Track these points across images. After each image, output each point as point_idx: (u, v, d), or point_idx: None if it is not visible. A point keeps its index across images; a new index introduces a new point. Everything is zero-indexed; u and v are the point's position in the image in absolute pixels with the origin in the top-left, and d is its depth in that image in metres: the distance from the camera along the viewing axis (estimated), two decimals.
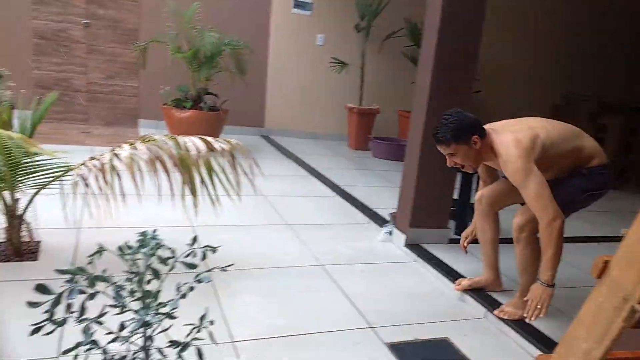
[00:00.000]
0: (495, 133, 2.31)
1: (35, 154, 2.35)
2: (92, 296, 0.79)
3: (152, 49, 5.53)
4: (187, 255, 0.89)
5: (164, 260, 0.86)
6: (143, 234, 0.87)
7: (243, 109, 6.49)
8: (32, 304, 0.76)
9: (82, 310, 0.79)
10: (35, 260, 2.47)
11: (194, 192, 2.42)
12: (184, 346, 0.84)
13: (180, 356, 0.87)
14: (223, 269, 0.97)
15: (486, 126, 2.37)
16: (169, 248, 0.90)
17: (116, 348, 0.90)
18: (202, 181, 2.42)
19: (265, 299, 2.39)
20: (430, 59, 3.10)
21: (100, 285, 0.82)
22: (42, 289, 0.75)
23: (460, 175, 3.52)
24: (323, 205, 4.04)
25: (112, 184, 2.18)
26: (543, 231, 2.13)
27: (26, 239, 2.55)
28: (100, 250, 0.86)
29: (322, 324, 2.24)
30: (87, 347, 0.78)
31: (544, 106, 7.91)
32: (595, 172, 2.29)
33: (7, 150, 2.26)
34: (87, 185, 2.23)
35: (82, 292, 0.79)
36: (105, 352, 0.82)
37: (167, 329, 0.83)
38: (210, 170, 2.41)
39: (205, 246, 0.92)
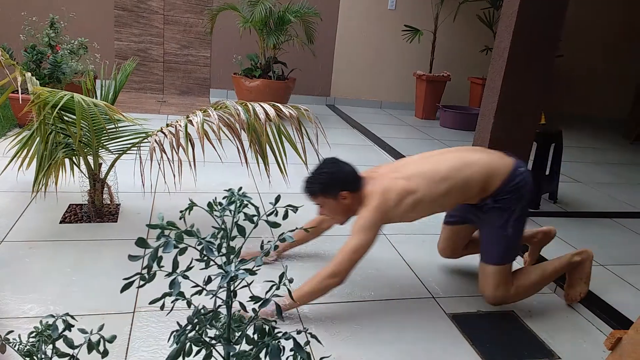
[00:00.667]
0: (371, 181, 2.06)
1: (118, 120, 2.50)
2: (182, 251, 0.84)
3: (223, 19, 5.64)
4: (270, 215, 0.92)
5: (250, 218, 0.89)
6: (230, 191, 0.91)
7: (310, 78, 6.50)
8: (133, 257, 0.82)
9: (175, 264, 0.85)
10: (115, 222, 2.66)
11: (264, 159, 2.49)
12: (264, 302, 0.88)
13: (255, 312, 0.91)
14: (306, 230, 1.00)
15: (367, 171, 2.13)
16: (255, 206, 0.94)
17: (199, 301, 0.95)
18: (271, 148, 2.48)
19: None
20: (511, 18, 2.91)
21: (187, 241, 0.88)
22: (141, 242, 0.81)
23: (535, 146, 3.34)
24: None
25: (186, 150, 2.28)
26: (321, 273, 1.93)
27: (107, 202, 2.75)
28: (191, 206, 0.91)
29: (384, 292, 2.26)
30: (174, 298, 0.84)
31: (635, 75, 7.24)
32: (500, 199, 2.04)
33: (93, 117, 2.42)
34: (163, 151, 2.36)
35: (175, 246, 0.85)
36: (189, 304, 0.88)
37: (249, 284, 0.87)
38: (280, 134, 2.45)
39: (287, 205, 0.95)
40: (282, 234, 0.97)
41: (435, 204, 2.06)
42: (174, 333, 0.95)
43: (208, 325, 0.92)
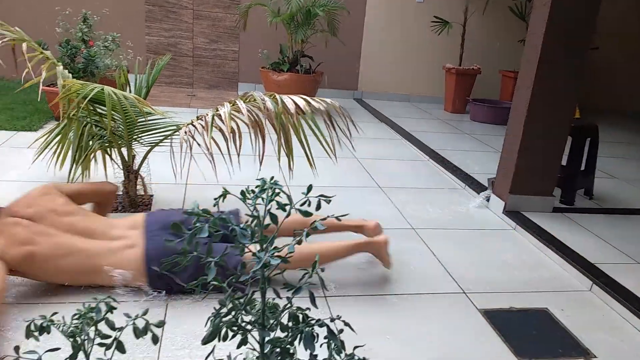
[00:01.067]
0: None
1: (148, 113, 2.54)
2: (216, 237, 0.85)
3: (251, 13, 5.67)
4: (302, 204, 0.92)
5: (282, 206, 0.90)
6: (262, 180, 0.92)
7: (337, 72, 6.47)
8: (169, 241, 0.84)
9: (209, 250, 0.86)
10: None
11: (290, 152, 2.50)
12: (297, 289, 0.89)
13: (290, 301, 0.92)
14: (337, 218, 1.00)
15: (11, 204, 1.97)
16: (287, 195, 0.94)
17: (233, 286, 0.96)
18: (299, 140, 2.48)
19: (357, 258, 2.43)
20: (545, 9, 2.83)
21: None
22: (176, 227, 0.83)
23: (570, 141, 3.26)
24: (416, 169, 3.97)
25: (215, 142, 2.31)
26: None
27: (141, 193, 2.80)
28: (225, 194, 0.92)
29: (415, 286, 2.24)
30: (209, 283, 0.86)
31: None
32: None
33: (124, 109, 2.46)
34: (195, 142, 2.39)
35: (210, 234, 0.86)
36: (223, 290, 0.89)
37: (282, 272, 0.88)
38: (317, 127, 2.45)
39: (319, 195, 0.95)
40: (314, 222, 0.97)
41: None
42: (211, 318, 0.96)
43: (243, 311, 0.92)
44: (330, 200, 1.01)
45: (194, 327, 1.80)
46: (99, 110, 2.60)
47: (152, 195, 2.89)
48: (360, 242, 2.25)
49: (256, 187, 0.97)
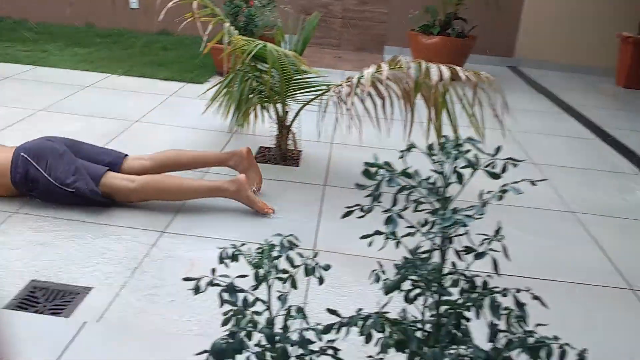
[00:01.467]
0: None
1: (305, 71, 2.61)
2: (401, 189, 0.84)
3: None
4: (487, 166, 0.87)
5: (472, 164, 0.86)
6: (446, 137, 0.89)
7: (491, 36, 6.00)
8: (360, 186, 0.85)
9: (395, 201, 0.85)
10: (297, 166, 2.83)
11: (438, 119, 2.39)
12: (479, 254, 0.85)
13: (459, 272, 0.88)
14: (533, 183, 0.93)
15: None
16: (480, 151, 0.88)
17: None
18: (447, 110, 2.36)
19: (509, 236, 2.27)
20: None
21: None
22: (367, 174, 0.83)
23: None
24: (578, 147, 3.57)
25: (364, 105, 2.30)
26: None
27: (291, 148, 2.93)
28: (410, 147, 0.90)
29: (572, 274, 2.04)
30: (386, 235, 0.85)
31: None
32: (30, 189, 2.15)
33: (283, 66, 2.56)
34: (345, 103, 2.40)
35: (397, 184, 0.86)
36: (398, 244, 0.88)
37: (464, 234, 0.84)
38: (443, 98, 2.32)
39: (507, 158, 0.89)
40: (504, 185, 0.90)
41: None
42: (375, 271, 0.97)
43: (413, 270, 0.91)
44: (517, 164, 0.94)
45: (339, 271, 1.85)
46: (259, 67, 2.73)
47: (301, 151, 3.01)
48: (217, 185, 2.28)
49: (441, 143, 0.93)
